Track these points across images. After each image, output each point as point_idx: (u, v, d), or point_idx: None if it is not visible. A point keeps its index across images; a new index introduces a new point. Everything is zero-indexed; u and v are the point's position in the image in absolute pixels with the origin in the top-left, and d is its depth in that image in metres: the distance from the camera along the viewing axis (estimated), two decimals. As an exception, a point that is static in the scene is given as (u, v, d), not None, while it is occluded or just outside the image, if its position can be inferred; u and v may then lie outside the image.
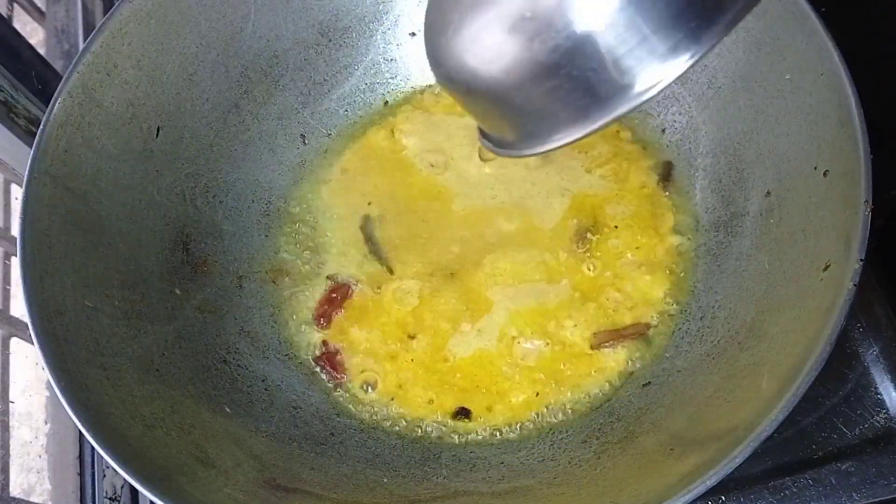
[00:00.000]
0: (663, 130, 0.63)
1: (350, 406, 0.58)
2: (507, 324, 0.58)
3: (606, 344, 0.56)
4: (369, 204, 0.65)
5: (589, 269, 0.59)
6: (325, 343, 0.60)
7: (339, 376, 0.59)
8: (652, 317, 0.57)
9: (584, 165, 0.64)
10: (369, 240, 0.63)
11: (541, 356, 0.57)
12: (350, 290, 0.61)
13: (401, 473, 0.53)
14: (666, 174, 0.61)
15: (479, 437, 0.55)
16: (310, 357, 0.60)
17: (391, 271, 0.61)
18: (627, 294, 0.58)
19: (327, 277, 0.62)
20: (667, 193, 0.61)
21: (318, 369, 0.59)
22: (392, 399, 0.58)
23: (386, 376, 0.58)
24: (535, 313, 0.58)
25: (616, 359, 0.56)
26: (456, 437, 0.56)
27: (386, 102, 0.70)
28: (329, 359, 0.59)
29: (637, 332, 0.56)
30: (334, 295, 0.61)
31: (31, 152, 0.51)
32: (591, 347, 0.56)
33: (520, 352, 0.57)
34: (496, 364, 0.57)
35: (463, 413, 0.56)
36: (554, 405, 0.55)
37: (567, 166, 0.64)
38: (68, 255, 0.51)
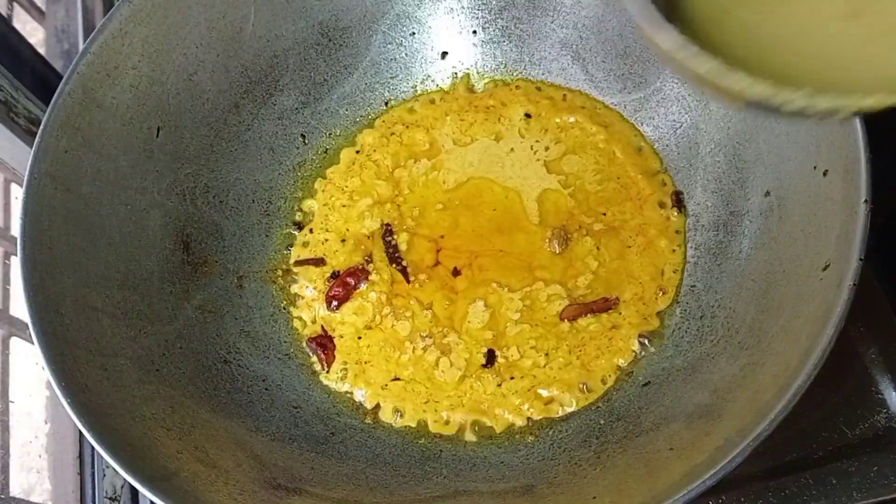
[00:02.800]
0: (664, 131, 0.63)
1: (349, 405, 0.58)
2: (506, 326, 0.58)
3: (575, 317, 0.57)
4: (371, 205, 0.65)
5: (584, 267, 0.59)
6: (323, 329, 0.61)
7: (326, 361, 0.59)
8: (649, 315, 0.57)
9: (582, 170, 0.64)
10: (388, 246, 0.63)
11: (539, 357, 0.57)
12: (365, 276, 0.62)
13: (401, 473, 0.53)
14: (677, 202, 0.61)
15: (479, 438, 0.55)
16: (303, 338, 0.61)
17: (407, 279, 0.61)
18: (622, 292, 0.58)
19: (332, 274, 0.62)
20: (673, 209, 0.61)
21: (308, 351, 0.60)
22: (391, 399, 0.58)
23: (383, 375, 0.58)
24: (534, 313, 0.58)
25: (616, 358, 0.56)
26: (456, 436, 0.56)
27: (386, 102, 0.70)
28: (321, 343, 0.60)
29: (605, 307, 0.57)
30: (350, 280, 0.61)
31: (32, 152, 0.51)
32: (561, 319, 0.57)
33: (519, 351, 0.57)
34: (495, 364, 0.57)
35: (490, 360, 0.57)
36: (554, 405, 0.55)
37: (566, 172, 0.64)
38: (68, 255, 0.51)
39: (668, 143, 0.63)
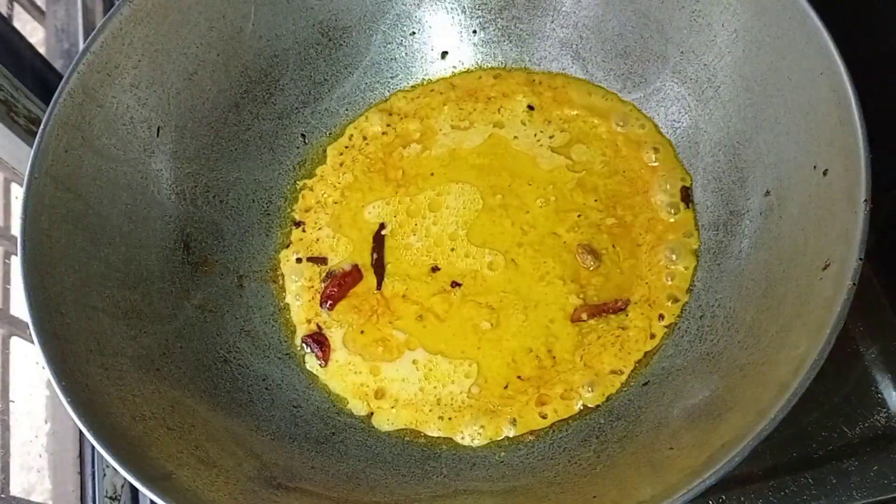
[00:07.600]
0: (663, 131, 0.63)
1: (347, 403, 0.58)
2: (507, 329, 0.58)
3: (585, 318, 0.57)
4: (368, 205, 0.65)
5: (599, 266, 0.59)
6: (318, 327, 0.61)
7: (324, 357, 0.59)
8: (653, 317, 0.57)
9: (591, 160, 0.64)
10: (376, 248, 0.63)
11: (539, 359, 0.57)
12: (360, 276, 0.62)
13: (401, 472, 0.53)
14: (685, 197, 0.61)
15: (478, 438, 0.55)
16: (300, 336, 0.61)
17: (378, 285, 0.61)
18: (632, 294, 0.58)
19: (329, 273, 0.62)
20: (673, 211, 0.61)
21: (304, 347, 0.60)
22: (391, 398, 0.58)
23: (381, 374, 0.58)
24: (540, 310, 0.58)
25: (620, 357, 0.56)
26: (455, 436, 0.56)
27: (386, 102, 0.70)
28: (318, 340, 0.60)
29: (615, 308, 0.57)
30: (346, 280, 0.62)
31: (32, 152, 0.51)
32: (571, 321, 0.57)
33: (518, 354, 0.57)
34: (495, 369, 0.57)
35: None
36: (553, 405, 0.55)
37: (567, 177, 0.64)
38: (68, 255, 0.51)
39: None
